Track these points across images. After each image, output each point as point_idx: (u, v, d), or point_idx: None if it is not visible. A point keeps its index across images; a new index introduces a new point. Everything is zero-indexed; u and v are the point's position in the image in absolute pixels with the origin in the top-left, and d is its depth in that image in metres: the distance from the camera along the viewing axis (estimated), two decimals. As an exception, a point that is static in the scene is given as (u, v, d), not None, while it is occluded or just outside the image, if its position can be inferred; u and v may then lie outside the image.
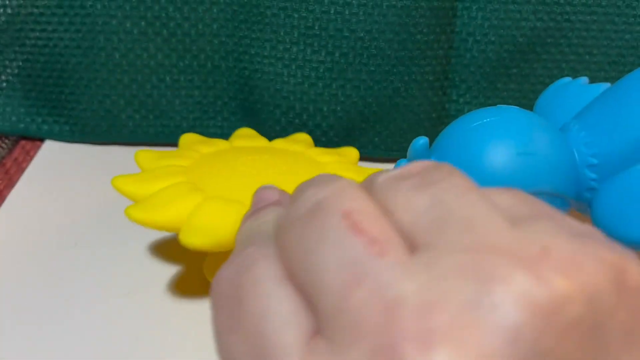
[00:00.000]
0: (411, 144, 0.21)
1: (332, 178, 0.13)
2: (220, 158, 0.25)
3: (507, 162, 0.20)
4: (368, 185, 0.13)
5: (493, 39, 0.31)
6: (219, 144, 0.26)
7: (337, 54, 0.31)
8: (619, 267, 0.10)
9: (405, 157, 0.32)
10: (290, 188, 0.21)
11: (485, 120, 0.21)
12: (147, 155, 0.25)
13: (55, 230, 0.27)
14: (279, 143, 0.27)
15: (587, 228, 0.12)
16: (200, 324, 0.23)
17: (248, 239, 0.14)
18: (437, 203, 0.11)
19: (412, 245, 0.11)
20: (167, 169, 0.23)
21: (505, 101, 0.33)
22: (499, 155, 0.20)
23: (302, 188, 0.13)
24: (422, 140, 0.21)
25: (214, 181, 0.23)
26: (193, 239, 0.19)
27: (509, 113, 0.21)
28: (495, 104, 0.33)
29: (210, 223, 0.20)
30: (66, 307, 0.23)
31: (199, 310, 0.23)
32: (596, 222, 0.20)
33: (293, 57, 0.31)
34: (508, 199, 0.12)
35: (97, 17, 0.31)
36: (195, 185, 0.22)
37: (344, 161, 0.25)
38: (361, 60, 0.31)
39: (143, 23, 0.31)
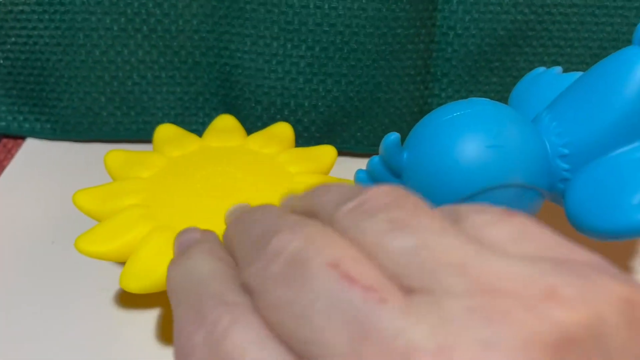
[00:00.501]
0: (382, 140, 0.21)
1: (295, 222, 0.12)
2: (180, 171, 0.24)
3: (477, 155, 0.20)
4: (326, 218, 0.12)
5: (474, 32, 0.31)
6: (190, 143, 0.26)
7: (317, 49, 0.31)
8: (629, 300, 0.10)
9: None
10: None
11: (455, 114, 0.21)
12: (116, 159, 0.25)
13: (36, 228, 0.27)
14: (254, 140, 0.26)
15: (594, 257, 0.11)
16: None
17: (186, 293, 0.13)
18: (418, 247, 0.11)
19: (405, 290, 0.11)
20: (125, 186, 0.23)
21: (487, 94, 0.33)
22: (468, 148, 0.20)
23: (264, 235, 0.12)
24: (393, 136, 0.21)
25: (168, 203, 0.22)
26: (132, 284, 0.19)
27: (479, 106, 0.21)
28: (477, 97, 0.33)
29: (151, 264, 0.20)
30: (43, 304, 0.23)
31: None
32: (568, 214, 0.20)
33: (273, 52, 0.31)
34: (501, 230, 0.12)
35: (76, 14, 0.31)
36: (149, 210, 0.22)
37: (314, 170, 0.25)
38: (341, 55, 0.31)
39: (123, 19, 0.31)
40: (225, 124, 0.28)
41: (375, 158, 0.22)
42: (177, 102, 0.33)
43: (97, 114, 0.33)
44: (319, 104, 0.32)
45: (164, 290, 0.19)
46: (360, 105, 0.32)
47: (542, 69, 0.25)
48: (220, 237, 0.16)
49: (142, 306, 0.23)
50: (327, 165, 0.25)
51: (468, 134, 0.20)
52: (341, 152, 0.34)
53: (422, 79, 0.33)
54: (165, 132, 0.27)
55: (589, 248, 0.12)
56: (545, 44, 0.32)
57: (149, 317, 0.23)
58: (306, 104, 0.32)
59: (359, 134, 0.33)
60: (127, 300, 0.23)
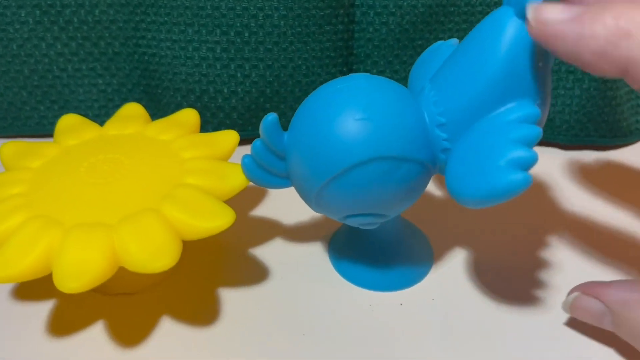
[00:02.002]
0: (261, 122, 0.21)
1: None
2: (69, 160, 0.23)
3: (346, 128, 0.19)
4: None
5: (393, 10, 0.31)
6: (88, 132, 0.25)
7: (232, 33, 0.30)
8: None
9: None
10: (137, 195, 0.21)
11: (329, 90, 0.20)
12: (9, 150, 0.24)
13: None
14: (154, 127, 0.26)
15: None
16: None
17: None
18: None
19: None
20: (11, 176, 0.22)
21: (412, 74, 0.32)
22: (338, 122, 0.19)
23: None
24: (271, 117, 0.21)
25: (49, 192, 0.22)
26: (71, 284, 0.18)
27: (353, 81, 0.20)
28: (403, 78, 0.33)
29: (81, 260, 0.19)
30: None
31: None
32: (447, 184, 0.19)
33: (189, 38, 0.30)
34: None
35: (-10, 9, 0.31)
36: (28, 199, 0.21)
37: (210, 155, 0.24)
38: (257, 39, 0.30)
39: (38, 12, 0.31)
40: (130, 111, 0.27)
41: (258, 141, 0.21)
42: (100, 94, 0.33)
43: (19, 109, 0.33)
44: (238, 89, 0.31)
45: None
46: (281, 89, 0.32)
47: (440, 42, 0.24)
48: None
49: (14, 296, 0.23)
50: (226, 150, 0.24)
51: (338, 108, 0.19)
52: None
53: (344, 61, 0.32)
54: (67, 122, 0.27)
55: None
56: (469, 19, 0.31)
57: (22, 309, 0.22)
58: (225, 90, 0.31)
59: (283, 119, 0.32)
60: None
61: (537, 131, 0.18)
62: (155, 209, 0.21)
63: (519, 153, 0.17)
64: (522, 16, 0.18)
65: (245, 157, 0.22)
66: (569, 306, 0.21)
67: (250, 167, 0.22)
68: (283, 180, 0.22)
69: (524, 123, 0.18)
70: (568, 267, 0.24)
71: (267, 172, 0.22)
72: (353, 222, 0.21)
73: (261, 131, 0.21)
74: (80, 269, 0.18)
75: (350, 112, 0.19)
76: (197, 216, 0.20)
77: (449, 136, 0.20)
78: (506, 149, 0.18)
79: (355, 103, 0.19)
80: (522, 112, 0.18)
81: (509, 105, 0.19)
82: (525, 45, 0.18)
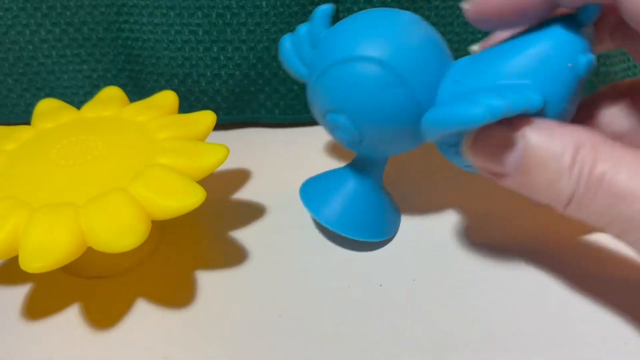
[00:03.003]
0: (317, 8, 0.22)
1: None
2: (43, 143, 0.23)
3: (363, 36, 0.20)
4: None
5: (378, -12, 0.30)
6: (65, 115, 0.25)
7: (213, 15, 0.30)
8: None
9: (302, 120, 0.32)
10: (107, 176, 0.20)
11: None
12: None
13: None
14: (130, 109, 0.25)
15: None
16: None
17: None
18: None
19: None
20: None
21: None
22: (360, 32, 0.20)
23: None
24: (330, 8, 0.22)
25: (20, 175, 0.21)
26: (35, 264, 0.18)
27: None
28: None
29: (46, 240, 0.18)
30: None
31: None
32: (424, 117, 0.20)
33: (170, 22, 0.30)
34: None
35: (-28, -4, 0.31)
36: (16, 197, 0.20)
37: (185, 136, 0.23)
38: (239, 20, 0.30)
39: (20, -2, 0.31)
40: (108, 94, 0.27)
41: (304, 26, 0.23)
42: (86, 80, 0.33)
43: (5, 97, 0.33)
44: (222, 72, 0.31)
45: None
46: (265, 71, 0.31)
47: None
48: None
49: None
50: (201, 131, 0.24)
51: (370, 27, 0.20)
52: (254, 123, 0.33)
53: (329, 41, 0.31)
54: (45, 106, 0.26)
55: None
56: (455, -4, 0.30)
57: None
58: (208, 73, 0.31)
59: (268, 102, 0.32)
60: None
61: (524, 101, 0.17)
62: (123, 188, 0.20)
63: (494, 101, 0.17)
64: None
65: (286, 36, 0.23)
66: (471, 140, 0.19)
67: (286, 44, 0.23)
68: (304, 69, 0.23)
69: (518, 94, 0.18)
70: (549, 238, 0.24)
71: (297, 56, 0.23)
72: (330, 124, 0.22)
73: (313, 15, 0.22)
74: (45, 249, 0.18)
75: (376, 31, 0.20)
76: (166, 195, 0.20)
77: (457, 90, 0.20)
78: (485, 95, 0.17)
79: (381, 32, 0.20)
80: (524, 90, 0.18)
81: (518, 81, 0.18)
82: (564, 46, 0.18)
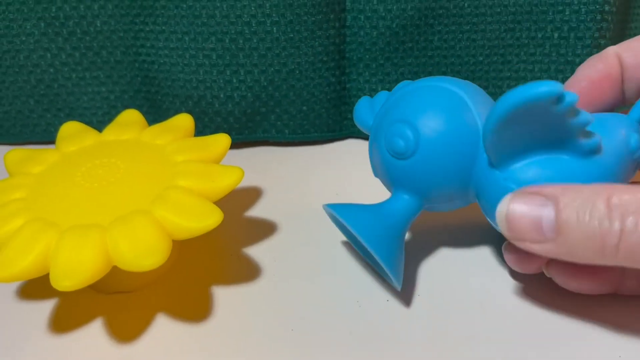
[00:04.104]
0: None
1: None
2: (68, 165, 0.25)
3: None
4: None
5: (383, 14, 0.31)
6: (87, 139, 0.27)
7: (226, 40, 0.31)
8: None
9: (311, 139, 0.33)
10: (129, 198, 0.22)
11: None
12: (14, 157, 0.26)
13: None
14: (149, 132, 0.27)
15: None
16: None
17: None
18: None
19: None
20: (13, 182, 0.24)
21: (404, 76, 0.33)
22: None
23: None
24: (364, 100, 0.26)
25: (48, 196, 0.23)
26: (65, 282, 0.19)
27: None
28: (395, 80, 0.33)
29: (75, 260, 0.20)
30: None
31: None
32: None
33: (185, 46, 0.32)
34: None
35: (-2, 22, 0.32)
36: (27, 203, 0.22)
37: (201, 158, 0.25)
38: (251, 45, 0.31)
39: (42, 24, 0.32)
40: (128, 118, 0.28)
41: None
42: (104, 102, 0.34)
43: (27, 117, 0.34)
44: (234, 94, 0.32)
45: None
46: (276, 93, 0.32)
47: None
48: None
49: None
50: (217, 153, 0.25)
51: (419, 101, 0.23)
52: (265, 142, 0.35)
53: (336, 65, 0.33)
54: (68, 129, 0.28)
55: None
56: (458, 21, 0.32)
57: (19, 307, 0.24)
58: (222, 95, 0.32)
59: (279, 122, 0.33)
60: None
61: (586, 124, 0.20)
62: (146, 210, 0.22)
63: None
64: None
65: (363, 98, 0.26)
66: (504, 215, 0.19)
67: (362, 105, 0.26)
68: (371, 118, 0.25)
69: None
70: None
71: (369, 106, 0.26)
72: (393, 130, 0.23)
73: (359, 103, 0.26)
74: (74, 268, 0.20)
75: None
76: (185, 216, 0.21)
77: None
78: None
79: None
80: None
81: None
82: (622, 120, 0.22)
